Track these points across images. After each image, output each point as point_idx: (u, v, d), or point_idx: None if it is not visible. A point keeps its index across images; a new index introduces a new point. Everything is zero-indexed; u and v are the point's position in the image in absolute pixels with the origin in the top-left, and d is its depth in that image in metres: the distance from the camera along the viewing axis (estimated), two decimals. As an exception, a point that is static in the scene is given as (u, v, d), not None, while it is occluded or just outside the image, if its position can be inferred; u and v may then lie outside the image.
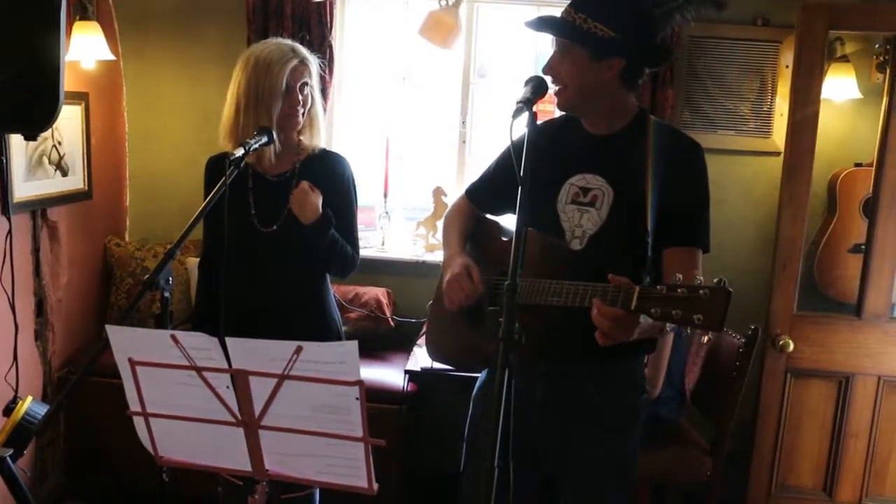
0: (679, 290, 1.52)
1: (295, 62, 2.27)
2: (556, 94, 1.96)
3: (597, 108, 2.01)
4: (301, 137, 2.38)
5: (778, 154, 3.62)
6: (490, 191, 2.26)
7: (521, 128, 1.72)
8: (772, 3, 3.63)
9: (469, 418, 2.25)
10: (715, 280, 1.50)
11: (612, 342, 1.67)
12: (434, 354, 2.39)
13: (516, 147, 1.64)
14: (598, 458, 2.05)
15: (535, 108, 1.74)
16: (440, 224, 3.20)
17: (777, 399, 3.33)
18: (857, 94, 3.58)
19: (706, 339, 1.55)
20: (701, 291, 1.49)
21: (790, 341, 3.22)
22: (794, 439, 3.38)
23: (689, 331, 1.54)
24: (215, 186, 2.01)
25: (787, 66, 3.59)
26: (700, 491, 3.13)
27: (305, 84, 2.31)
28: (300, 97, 2.30)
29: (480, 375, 2.27)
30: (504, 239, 2.18)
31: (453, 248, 2.18)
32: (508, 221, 2.35)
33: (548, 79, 1.90)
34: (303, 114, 2.33)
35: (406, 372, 3.25)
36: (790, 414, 3.35)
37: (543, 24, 1.96)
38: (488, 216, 2.30)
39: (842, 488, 3.38)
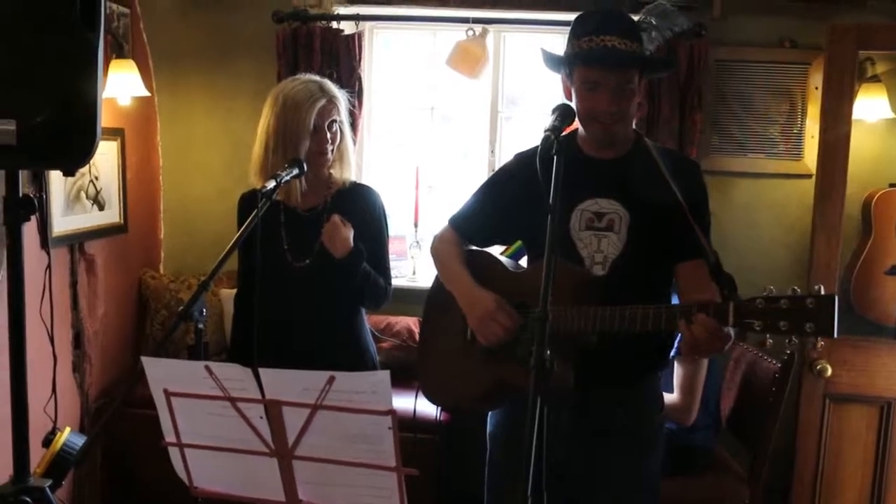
0: (781, 301, 1.55)
1: (323, 101, 2.29)
2: (612, 127, 1.94)
3: (625, 133, 2.03)
4: (331, 171, 2.40)
5: (810, 176, 3.58)
6: (481, 222, 2.20)
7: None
8: (799, 25, 3.62)
9: (488, 457, 2.21)
10: (816, 287, 1.54)
11: (701, 356, 1.69)
12: (439, 398, 2.29)
13: (542, 165, 1.64)
14: (624, 475, 2.05)
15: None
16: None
17: (816, 425, 3.26)
18: (890, 114, 3.54)
19: (819, 345, 1.58)
20: (808, 301, 1.53)
21: (828, 366, 3.16)
22: (836, 467, 3.31)
23: (794, 339, 1.57)
24: (245, 221, 2.04)
25: (816, 88, 3.57)
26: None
27: (334, 121, 2.33)
28: (328, 135, 2.32)
29: (492, 412, 2.22)
30: (511, 269, 2.14)
31: (467, 281, 2.08)
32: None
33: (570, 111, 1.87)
34: (332, 150, 2.35)
35: (439, 401, 3.23)
36: (830, 441, 3.28)
37: (616, 57, 1.90)
38: (474, 247, 2.24)
39: (887, 517, 3.30)
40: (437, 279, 2.29)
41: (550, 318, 1.43)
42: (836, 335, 1.54)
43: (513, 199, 2.08)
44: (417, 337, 3.66)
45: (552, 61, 2.04)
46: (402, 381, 3.53)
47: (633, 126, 2.08)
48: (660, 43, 1.99)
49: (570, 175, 1.92)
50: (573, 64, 1.96)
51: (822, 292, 1.53)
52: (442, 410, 3.26)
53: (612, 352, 1.90)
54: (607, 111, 1.92)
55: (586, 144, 2.06)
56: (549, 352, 1.38)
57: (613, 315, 1.78)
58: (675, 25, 1.99)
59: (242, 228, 2.02)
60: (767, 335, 1.58)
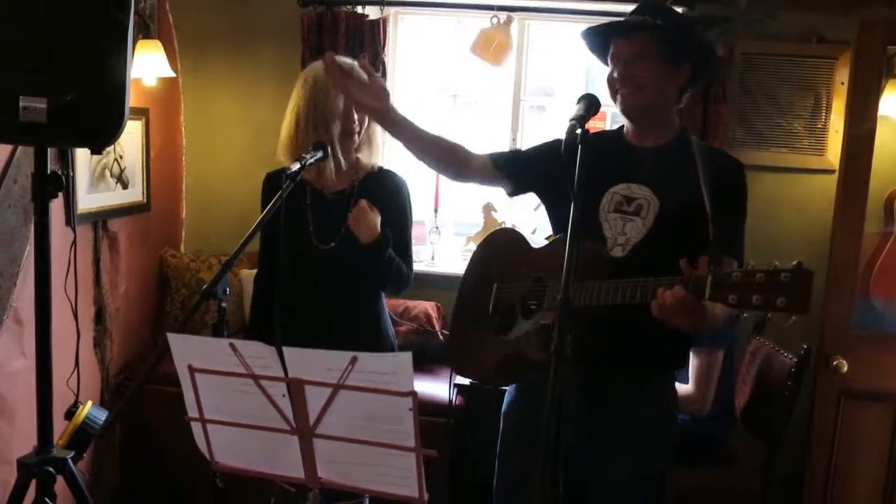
0: (757, 275, 1.51)
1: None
2: (628, 95, 1.98)
3: (656, 117, 2.05)
4: (359, 155, 2.41)
5: (833, 172, 3.57)
6: (515, 160, 2.25)
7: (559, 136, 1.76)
8: (827, 20, 3.59)
9: (500, 435, 2.24)
10: (794, 262, 1.49)
11: (672, 325, 1.68)
12: (463, 370, 2.37)
13: (567, 153, 1.66)
14: (634, 470, 2.05)
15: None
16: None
17: (830, 421, 3.25)
18: (917, 112, 3.51)
19: (788, 322, 1.52)
20: (782, 275, 1.48)
21: (844, 362, 3.15)
22: (849, 463, 3.29)
23: (769, 316, 1.52)
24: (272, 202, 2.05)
25: (842, 83, 3.55)
26: (751, 513, 3.08)
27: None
28: (356, 118, 2.33)
29: (508, 391, 2.26)
30: (534, 246, 2.16)
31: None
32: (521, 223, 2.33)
33: (599, 95, 1.89)
34: (358, 133, 2.36)
35: (455, 386, 3.27)
36: (844, 437, 3.27)
37: (624, 25, 1.98)
38: (506, 227, 2.28)
39: (900, 515, 3.29)
40: (472, 260, 2.34)
41: (560, 296, 1.45)
42: (807, 311, 1.48)
43: (554, 163, 1.99)
44: (435, 322, 3.69)
45: (595, 50, 2.12)
46: (418, 365, 3.60)
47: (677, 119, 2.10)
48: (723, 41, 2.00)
49: (608, 158, 1.96)
50: (607, 46, 2.05)
51: (803, 266, 1.48)
52: (458, 392, 3.29)
53: (629, 343, 1.91)
54: (616, 78, 1.98)
55: (628, 132, 2.10)
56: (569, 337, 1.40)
57: (607, 288, 1.78)
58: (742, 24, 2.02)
59: (266, 210, 2.04)
60: (744, 310, 1.54)
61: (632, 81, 1.96)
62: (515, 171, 2.23)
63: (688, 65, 2.01)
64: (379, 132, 2.43)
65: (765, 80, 3.66)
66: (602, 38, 2.06)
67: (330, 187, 2.39)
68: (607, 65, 2.07)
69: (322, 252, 2.35)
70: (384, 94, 2.10)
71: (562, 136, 1.70)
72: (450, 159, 2.27)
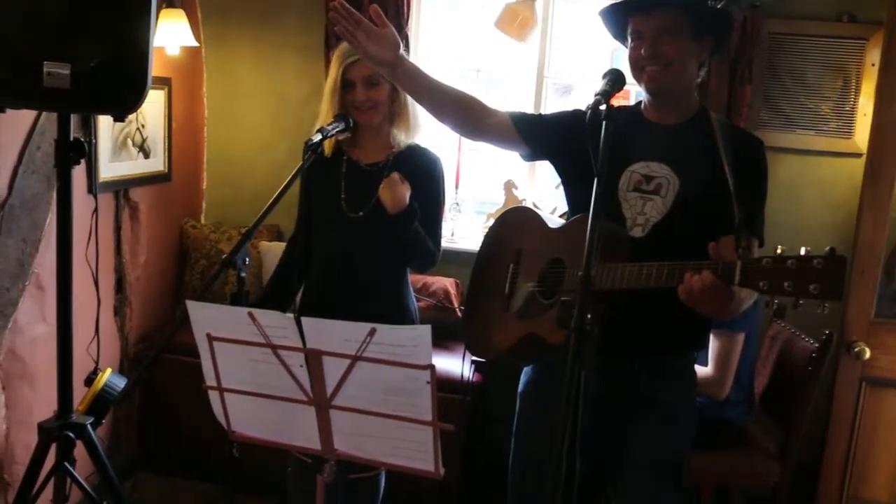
0: (788, 261, 1.48)
1: (355, 57, 2.28)
2: (657, 73, 1.93)
3: (679, 94, 2.01)
4: (395, 131, 2.41)
5: (860, 155, 3.51)
6: (537, 124, 2.19)
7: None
8: (859, -1, 3.53)
9: (517, 415, 2.23)
10: (826, 249, 1.46)
11: (701, 311, 1.66)
12: (477, 349, 2.33)
13: (591, 129, 1.63)
14: (651, 453, 2.04)
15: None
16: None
17: (850, 408, 3.23)
18: (948, 96, 3.44)
19: (821, 309, 1.50)
20: (815, 261, 1.46)
21: (866, 348, 3.12)
22: (869, 450, 3.27)
23: (801, 303, 1.49)
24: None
25: (872, 65, 3.48)
26: (766, 498, 3.07)
27: (371, 79, 2.33)
28: (364, 92, 2.32)
29: (525, 371, 2.24)
30: (551, 227, 2.13)
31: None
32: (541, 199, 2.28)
33: (624, 71, 1.86)
34: (372, 106, 2.34)
35: (472, 362, 3.27)
36: (864, 423, 3.25)
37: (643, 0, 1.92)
38: (521, 205, 2.22)
39: (919, 503, 3.27)
40: (486, 239, 2.32)
41: (580, 273, 1.43)
42: (840, 298, 1.46)
43: (576, 133, 1.97)
44: (454, 298, 3.69)
45: (611, 27, 2.07)
46: (436, 341, 3.59)
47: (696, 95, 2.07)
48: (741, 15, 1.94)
49: (627, 136, 1.91)
50: (625, 23, 2.00)
51: (836, 253, 1.46)
52: (475, 368, 3.29)
53: (649, 325, 1.89)
54: (644, 56, 1.93)
55: (647, 109, 2.06)
56: (590, 315, 1.38)
57: (632, 271, 1.75)
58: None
59: (288, 179, 2.06)
60: (775, 296, 1.52)
61: (660, 58, 1.92)
62: (536, 134, 2.16)
63: (710, 38, 1.97)
64: (414, 112, 2.41)
65: (792, 60, 3.60)
66: (620, 17, 2.01)
67: (364, 159, 2.42)
68: (625, 44, 2.03)
69: (351, 220, 2.36)
70: (393, 45, 2.03)
71: (585, 108, 1.67)
72: (467, 114, 2.19)
